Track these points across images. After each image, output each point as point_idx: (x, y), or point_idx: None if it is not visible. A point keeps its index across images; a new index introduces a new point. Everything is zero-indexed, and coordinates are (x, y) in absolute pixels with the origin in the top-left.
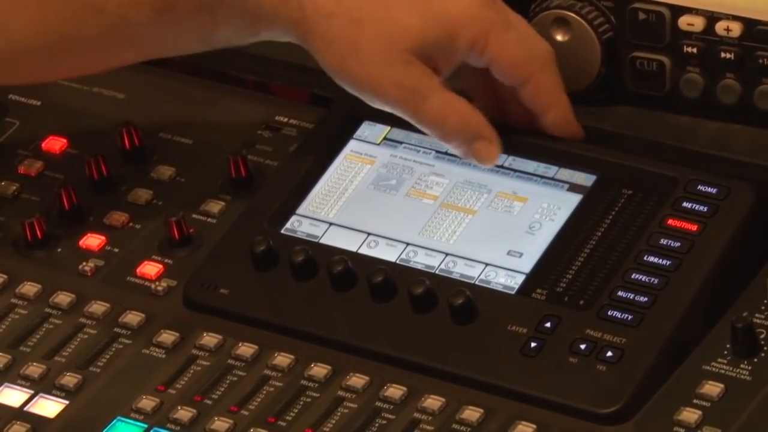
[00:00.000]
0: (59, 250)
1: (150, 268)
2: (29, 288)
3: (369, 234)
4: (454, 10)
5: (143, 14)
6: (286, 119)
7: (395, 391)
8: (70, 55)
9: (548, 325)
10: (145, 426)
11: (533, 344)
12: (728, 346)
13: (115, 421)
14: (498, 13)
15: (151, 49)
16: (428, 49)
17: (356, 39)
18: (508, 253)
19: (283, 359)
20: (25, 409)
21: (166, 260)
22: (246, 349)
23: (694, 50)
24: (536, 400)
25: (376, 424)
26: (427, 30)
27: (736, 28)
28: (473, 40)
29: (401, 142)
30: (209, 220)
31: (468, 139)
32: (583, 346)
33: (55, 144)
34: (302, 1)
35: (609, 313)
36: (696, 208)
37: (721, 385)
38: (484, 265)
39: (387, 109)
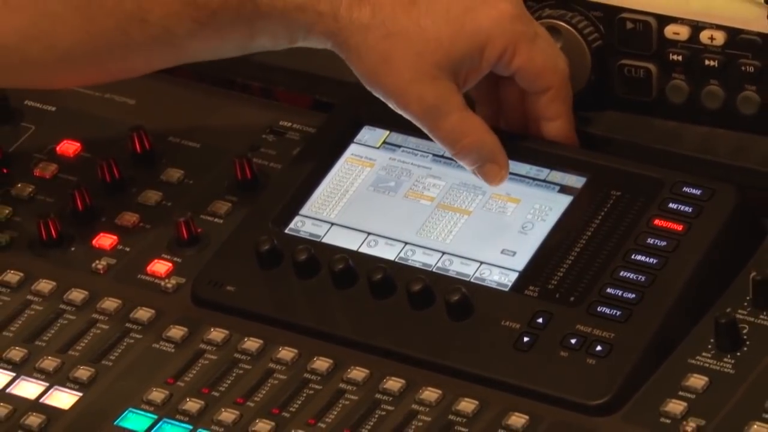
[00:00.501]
0: (73, 249)
1: (160, 266)
2: (44, 285)
3: (369, 233)
4: (485, 23)
5: (184, 25)
6: (289, 124)
7: (394, 384)
8: (114, 61)
9: (540, 320)
10: (156, 417)
11: (526, 339)
12: (712, 340)
13: (126, 412)
14: (526, 25)
15: (192, 55)
16: (457, 62)
17: (388, 51)
18: (502, 252)
19: (286, 353)
20: (41, 400)
21: (175, 259)
22: (251, 344)
23: (680, 58)
24: (529, 393)
25: (376, 415)
26: (457, 44)
27: (719, 37)
28: (502, 52)
29: (400, 146)
30: (216, 220)
31: (480, 160)
32: (573, 341)
33: (69, 148)
34: (338, 14)
35: (598, 309)
36: (681, 208)
37: (706, 378)
38: (479, 264)
39: (408, 118)
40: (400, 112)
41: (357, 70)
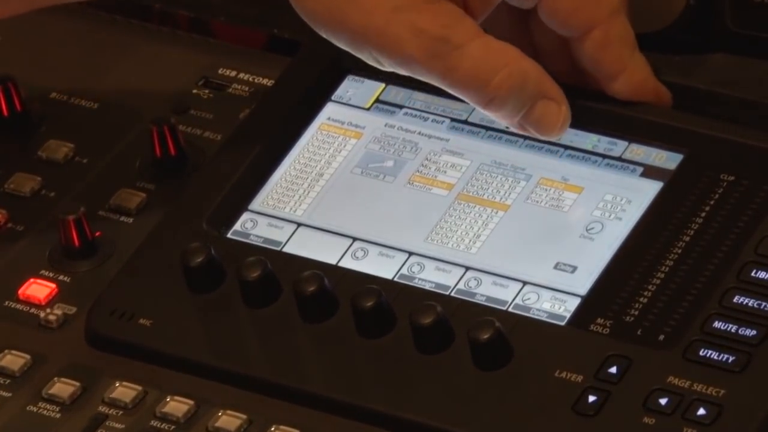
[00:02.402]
0: None
1: (37, 289)
2: None
3: (354, 239)
4: None
5: None
6: (233, 72)
7: None
8: None
9: (613, 370)
10: None
11: (592, 398)
12: None
13: None
14: None
15: None
16: None
17: None
18: (556, 266)
19: (230, 420)
20: None
21: (61, 277)
22: (176, 406)
23: None
24: None
25: None
26: None
27: None
28: None
29: (401, 106)
30: (123, 218)
31: (526, 100)
32: (663, 401)
33: None
34: None
35: (701, 352)
36: None
37: None
38: (521, 284)
39: (404, 71)
40: (387, 64)
41: (306, 7)
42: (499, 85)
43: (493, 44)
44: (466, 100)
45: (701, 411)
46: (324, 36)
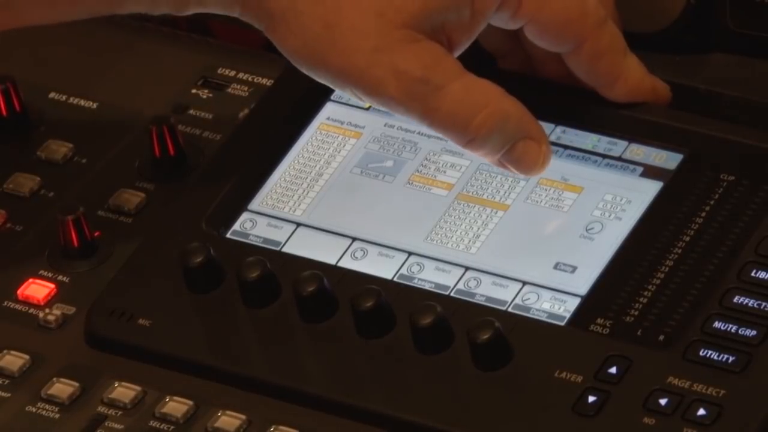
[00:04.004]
0: None
1: (36, 289)
2: None
3: (354, 239)
4: None
5: None
6: (232, 72)
7: None
8: None
9: (613, 370)
10: None
11: (592, 398)
12: None
13: None
14: None
15: (31, 19)
16: (437, 16)
17: (334, 11)
18: (556, 266)
19: (229, 421)
20: None
21: (60, 277)
22: (176, 406)
23: None
24: None
25: None
26: None
27: None
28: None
29: None
30: (122, 219)
31: (506, 140)
32: (663, 401)
33: None
34: None
35: (701, 353)
36: None
37: None
38: (520, 284)
39: (384, 108)
40: (367, 101)
41: (286, 46)
42: (479, 126)
43: (475, 84)
44: (447, 139)
45: (701, 411)
46: (306, 73)
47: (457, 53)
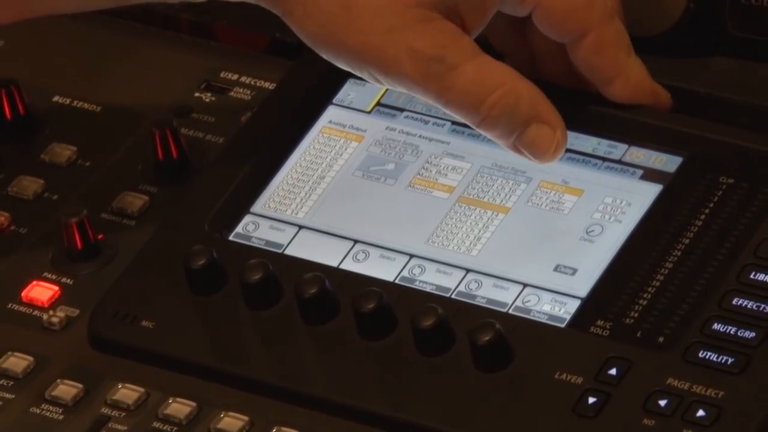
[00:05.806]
0: None
1: (40, 292)
2: None
3: (356, 242)
4: None
5: None
6: (235, 76)
7: None
8: None
9: (613, 371)
10: None
11: (592, 399)
12: None
13: None
14: None
15: (53, 7)
16: (450, 0)
17: None
18: (556, 268)
19: (231, 422)
20: None
21: (64, 280)
22: (179, 407)
23: None
24: None
25: None
26: None
27: None
28: None
29: (402, 109)
30: (125, 221)
31: (518, 121)
32: (663, 402)
33: None
34: None
35: (701, 354)
36: None
37: None
38: (521, 287)
39: (401, 89)
40: (384, 83)
41: (304, 29)
42: (491, 105)
43: (489, 64)
44: (461, 118)
45: (701, 412)
46: (325, 57)
47: (471, 38)
